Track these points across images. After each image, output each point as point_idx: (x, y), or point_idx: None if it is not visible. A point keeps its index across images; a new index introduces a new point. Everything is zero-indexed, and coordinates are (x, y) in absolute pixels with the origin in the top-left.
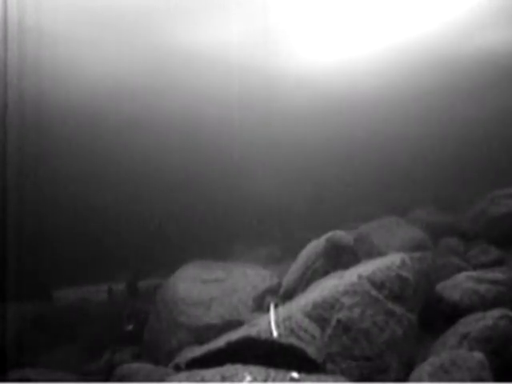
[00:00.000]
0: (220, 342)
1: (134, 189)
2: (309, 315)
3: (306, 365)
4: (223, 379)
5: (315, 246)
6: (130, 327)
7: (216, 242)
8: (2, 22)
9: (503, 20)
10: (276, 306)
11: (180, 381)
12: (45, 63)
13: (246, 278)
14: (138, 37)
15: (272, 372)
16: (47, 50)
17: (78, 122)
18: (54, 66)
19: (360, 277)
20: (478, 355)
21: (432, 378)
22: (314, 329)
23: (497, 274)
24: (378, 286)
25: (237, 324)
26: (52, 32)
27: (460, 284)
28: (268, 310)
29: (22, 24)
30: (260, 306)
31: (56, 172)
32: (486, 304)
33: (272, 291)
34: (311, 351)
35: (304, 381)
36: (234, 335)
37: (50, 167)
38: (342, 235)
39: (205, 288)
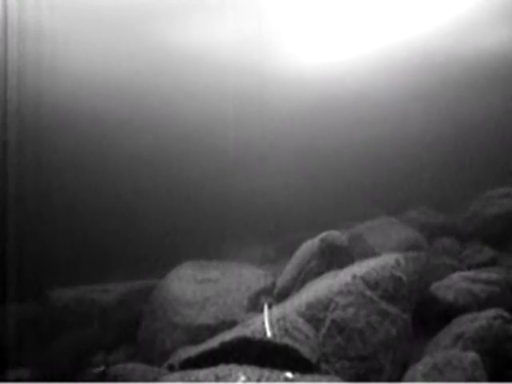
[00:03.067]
0: (214, 342)
1: (130, 188)
2: (303, 315)
3: (300, 365)
4: (217, 379)
5: (310, 246)
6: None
7: (210, 241)
8: (2, 22)
9: (503, 20)
10: (270, 306)
11: (174, 381)
12: (44, 63)
13: (241, 277)
14: (137, 37)
15: (266, 372)
16: (47, 50)
17: (78, 121)
18: (54, 65)
19: (354, 277)
20: (472, 355)
21: (426, 377)
22: (308, 329)
23: (491, 274)
24: (372, 286)
25: (231, 324)
26: (51, 32)
27: (454, 284)
28: (262, 310)
29: (21, 24)
30: (254, 306)
31: (55, 172)
32: (480, 304)
33: (266, 291)
34: (305, 351)
35: (298, 381)
36: (228, 335)
37: (49, 166)
38: (336, 235)
39: (199, 288)
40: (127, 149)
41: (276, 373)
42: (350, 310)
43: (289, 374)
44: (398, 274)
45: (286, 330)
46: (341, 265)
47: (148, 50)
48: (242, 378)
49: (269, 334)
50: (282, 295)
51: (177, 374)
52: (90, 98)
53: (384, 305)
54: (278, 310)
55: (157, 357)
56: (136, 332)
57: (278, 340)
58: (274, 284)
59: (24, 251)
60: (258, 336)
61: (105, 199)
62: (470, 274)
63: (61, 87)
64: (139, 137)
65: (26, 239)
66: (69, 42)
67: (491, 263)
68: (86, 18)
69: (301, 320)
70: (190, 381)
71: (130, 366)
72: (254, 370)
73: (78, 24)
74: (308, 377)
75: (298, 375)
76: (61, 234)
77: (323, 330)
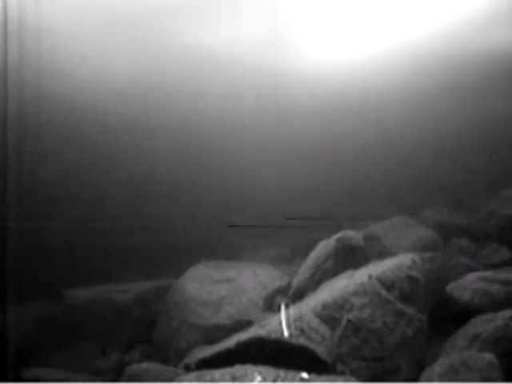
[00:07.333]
0: (230, 342)
1: (139, 188)
2: (319, 315)
3: (316, 365)
4: (233, 379)
5: (325, 245)
6: None
7: (225, 241)
8: (2, 22)
9: (507, 20)
10: (286, 306)
11: (190, 381)
12: (45, 63)
13: (256, 277)
14: (143, 36)
15: (282, 372)
16: (47, 50)
17: (79, 121)
18: (54, 65)
19: (370, 277)
20: (489, 356)
21: (442, 378)
22: (324, 329)
23: (508, 275)
24: (388, 286)
25: (247, 324)
26: (52, 32)
27: (470, 284)
28: (278, 310)
29: (21, 24)
30: (270, 306)
31: (57, 171)
32: (496, 304)
33: (282, 291)
34: (321, 351)
35: (314, 381)
36: (243, 335)
37: (50, 166)
38: (352, 235)
39: (215, 288)
40: (133, 150)
41: (292, 373)
42: (366, 311)
43: (304, 375)
44: (414, 274)
45: (302, 331)
46: (356, 265)
47: (155, 49)
48: (258, 378)
49: (285, 334)
50: (298, 295)
51: (192, 374)
52: (91, 98)
53: (400, 305)
54: (293, 310)
55: (172, 357)
56: (152, 332)
57: (294, 340)
58: (289, 284)
59: (38, 251)
60: (273, 336)
61: (115, 199)
62: (487, 274)
63: (62, 87)
64: (147, 138)
65: (36, 239)
66: (70, 42)
67: (508, 263)
68: (89, 17)
69: (317, 320)
70: (205, 381)
71: (144, 365)
72: (269, 371)
73: (79, 24)
74: (323, 377)
75: (313, 375)
76: (75, 234)
77: (339, 331)
